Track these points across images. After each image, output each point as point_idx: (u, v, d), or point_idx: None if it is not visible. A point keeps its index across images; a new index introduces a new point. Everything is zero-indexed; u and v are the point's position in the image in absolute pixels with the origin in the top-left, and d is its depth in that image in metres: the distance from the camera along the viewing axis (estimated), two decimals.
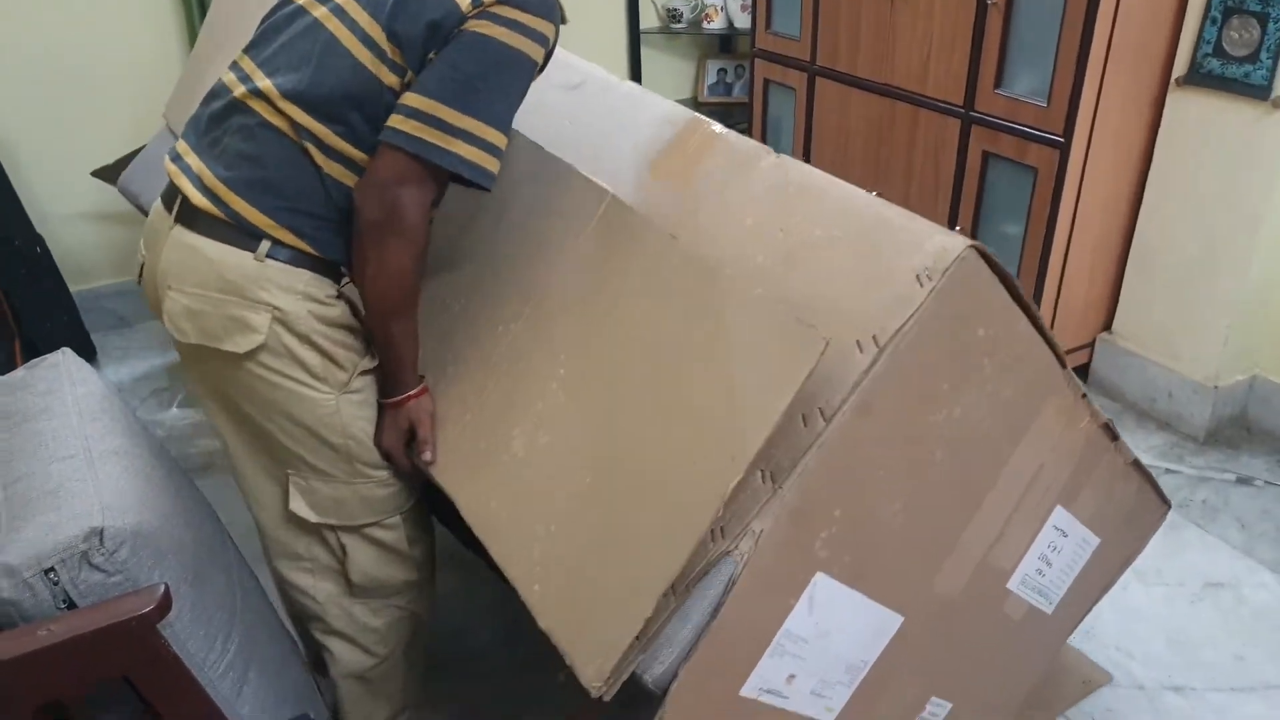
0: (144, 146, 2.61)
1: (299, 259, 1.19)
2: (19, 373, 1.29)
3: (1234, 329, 2.30)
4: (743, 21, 3.46)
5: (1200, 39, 2.14)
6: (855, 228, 1.10)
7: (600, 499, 1.09)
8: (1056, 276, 2.38)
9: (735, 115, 3.58)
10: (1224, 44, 2.10)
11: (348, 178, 1.19)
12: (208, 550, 1.19)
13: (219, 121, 1.23)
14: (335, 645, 1.41)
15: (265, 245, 1.17)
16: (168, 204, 1.25)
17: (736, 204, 1.20)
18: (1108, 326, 2.58)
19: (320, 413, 1.23)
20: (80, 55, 2.81)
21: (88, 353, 2.92)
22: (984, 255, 1.03)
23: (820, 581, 1.08)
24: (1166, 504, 1.46)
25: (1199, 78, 2.16)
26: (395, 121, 1.14)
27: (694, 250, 1.14)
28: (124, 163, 2.63)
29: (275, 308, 1.17)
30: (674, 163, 1.30)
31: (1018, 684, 1.55)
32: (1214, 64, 2.13)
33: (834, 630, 1.13)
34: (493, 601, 1.93)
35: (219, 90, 1.26)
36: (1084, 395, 1.21)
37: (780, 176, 1.20)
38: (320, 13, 1.21)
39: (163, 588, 0.96)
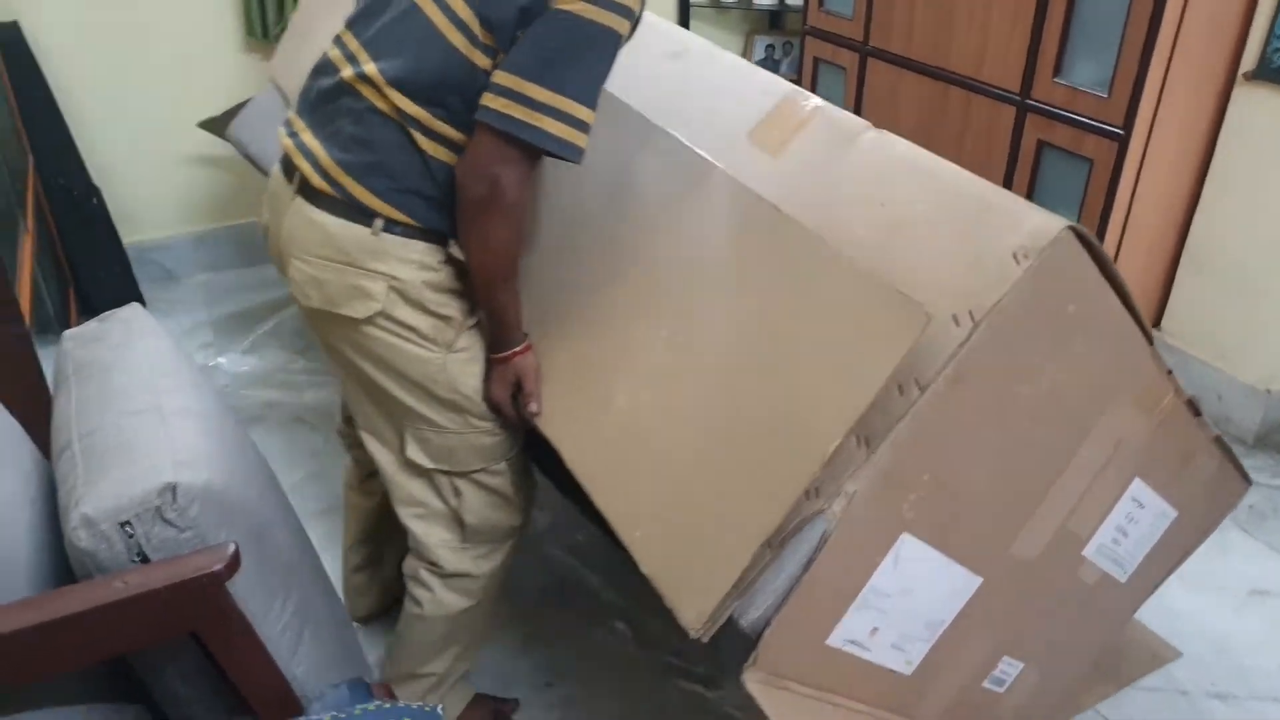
0: (249, 100, 2.64)
1: (410, 231, 1.28)
2: (92, 324, 1.32)
3: None
4: None
5: (1271, 33, 2.09)
6: (955, 205, 1.12)
7: (702, 454, 1.16)
8: None
9: None
10: None
11: (449, 157, 1.25)
12: (269, 509, 1.21)
13: (329, 100, 1.30)
14: (438, 587, 1.50)
15: (379, 222, 1.26)
16: (287, 175, 1.33)
17: (837, 176, 1.23)
18: (1156, 324, 2.55)
19: (430, 370, 1.33)
20: (138, 12, 2.83)
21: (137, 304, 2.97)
22: (1080, 236, 1.05)
23: (906, 541, 1.14)
24: (1247, 481, 1.47)
25: (1268, 73, 2.12)
26: (486, 99, 1.18)
27: (797, 220, 1.17)
28: (231, 114, 2.66)
29: (391, 276, 1.27)
30: (775, 134, 1.32)
31: (1087, 649, 1.59)
32: None
33: (916, 588, 1.19)
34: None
35: (326, 67, 1.33)
36: (1169, 372, 1.23)
37: (881, 152, 1.22)
38: (426, 4, 1.23)
39: (233, 546, 0.99)
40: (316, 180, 1.27)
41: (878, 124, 2.91)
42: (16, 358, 1.77)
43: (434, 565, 1.49)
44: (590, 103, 1.19)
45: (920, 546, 1.16)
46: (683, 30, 1.58)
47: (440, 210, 1.27)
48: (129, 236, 3.01)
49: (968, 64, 2.50)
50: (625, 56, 1.25)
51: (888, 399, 1.04)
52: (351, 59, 1.29)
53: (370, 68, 1.25)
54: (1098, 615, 1.51)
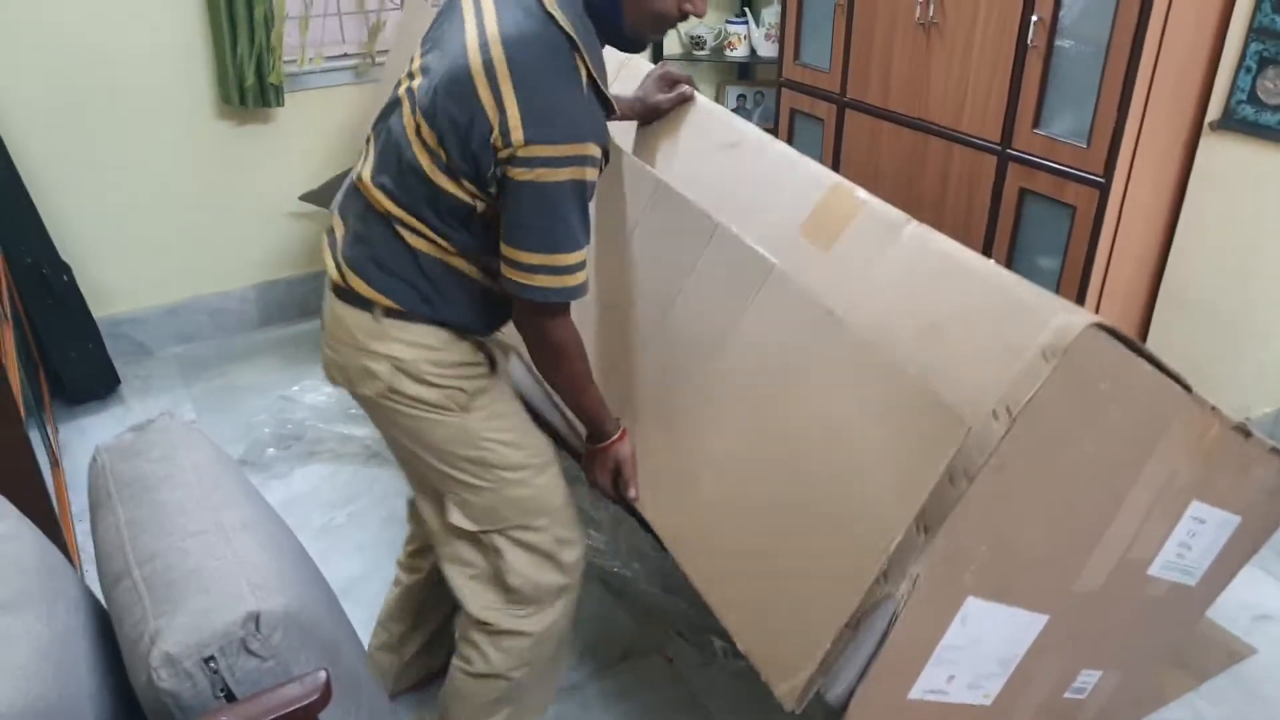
0: (350, 170, 2.59)
1: (408, 315, 1.36)
2: (127, 436, 1.28)
3: (1265, 362, 2.36)
4: (765, 50, 3.49)
5: (1234, 86, 2.20)
6: (989, 303, 1.19)
7: (783, 542, 1.29)
8: (1092, 310, 2.43)
9: None
10: (1258, 92, 2.16)
11: (438, 253, 1.35)
12: (333, 618, 1.18)
13: (349, 197, 1.44)
14: (487, 645, 1.52)
15: (379, 309, 1.36)
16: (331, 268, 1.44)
17: (881, 273, 1.30)
18: None
19: (450, 432, 1.40)
20: (107, 80, 2.77)
21: (112, 381, 2.88)
22: (1104, 327, 1.12)
23: (971, 603, 1.24)
24: None
25: (1233, 123, 2.22)
26: (504, 272, 1.30)
27: (849, 321, 1.27)
28: (333, 186, 2.64)
29: (392, 357, 1.36)
30: (825, 229, 1.39)
31: (1165, 648, 1.70)
32: (1248, 110, 2.19)
33: (985, 637, 1.30)
34: None
35: (356, 167, 1.44)
36: (1213, 408, 1.30)
37: (920, 246, 1.28)
38: (405, 118, 1.33)
39: (324, 674, 0.96)
40: (335, 275, 1.40)
41: (858, 175, 2.97)
42: (19, 462, 1.70)
43: (483, 625, 1.50)
44: (575, 247, 1.28)
45: (984, 605, 1.26)
46: (735, 117, 1.65)
47: (430, 301, 1.36)
48: (100, 311, 2.92)
49: (947, 115, 2.57)
50: (685, 143, 1.32)
51: (941, 489, 1.13)
52: (365, 163, 1.40)
53: (365, 170, 1.38)
54: (1171, 619, 1.60)
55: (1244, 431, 1.37)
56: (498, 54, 1.22)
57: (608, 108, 1.33)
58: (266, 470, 2.53)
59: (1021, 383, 1.10)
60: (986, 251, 2.58)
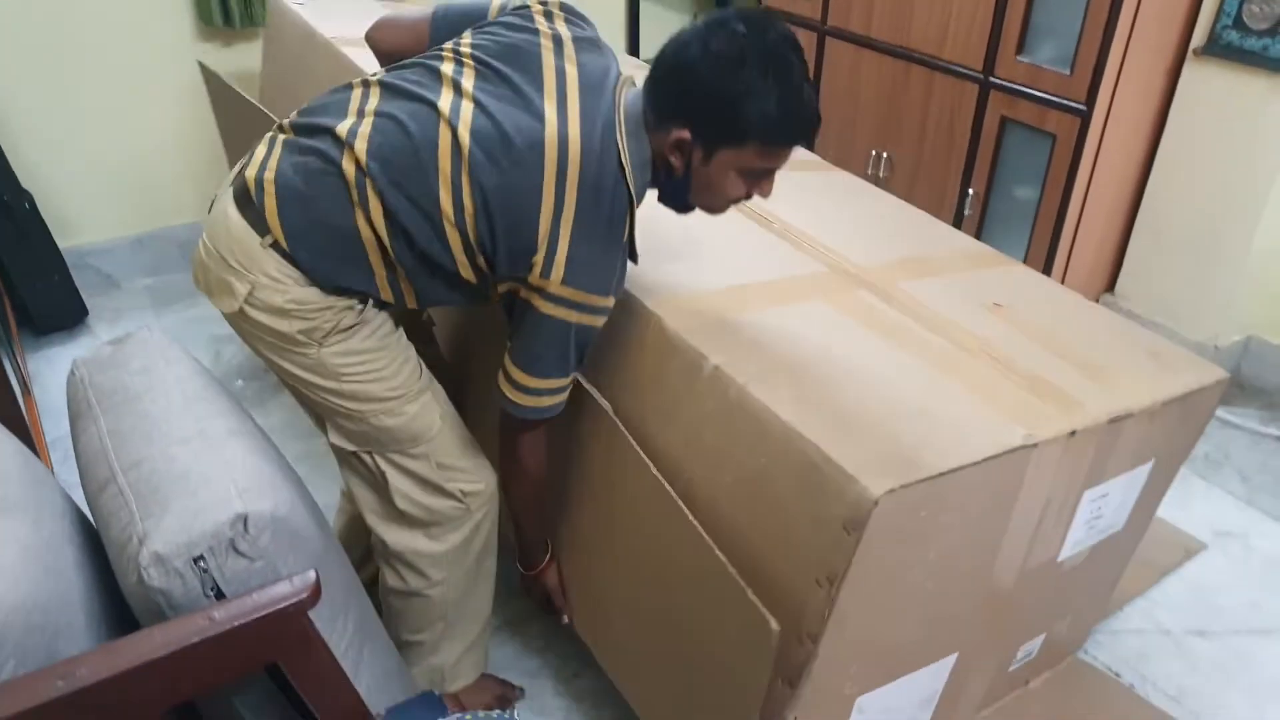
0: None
1: (299, 270, 1.27)
2: (105, 349, 1.26)
3: (1235, 292, 2.40)
4: None
5: (1221, 10, 2.19)
6: (790, 464, 1.12)
7: (680, 682, 1.40)
8: (1069, 241, 2.45)
9: None
10: (1244, 17, 2.15)
11: (380, 260, 1.27)
12: (321, 528, 1.18)
13: (312, 145, 1.27)
14: (398, 565, 1.51)
15: (269, 239, 1.25)
16: (242, 167, 1.32)
17: (691, 421, 1.28)
18: (1110, 288, 2.66)
19: (309, 363, 1.33)
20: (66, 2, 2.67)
21: (80, 314, 2.82)
22: (896, 489, 1.04)
23: (862, 701, 1.26)
24: (1224, 375, 1.46)
25: (1217, 49, 2.22)
26: (499, 383, 1.31)
27: (672, 481, 1.26)
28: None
29: (256, 283, 1.26)
30: (641, 368, 1.38)
31: (1108, 582, 1.70)
32: (1233, 36, 2.18)
33: (895, 705, 1.32)
34: None
35: (331, 111, 1.30)
36: (1072, 433, 1.22)
37: (721, 393, 1.23)
38: (441, 144, 1.22)
39: (313, 574, 0.96)
40: (249, 184, 1.27)
41: (840, 105, 2.94)
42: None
43: (384, 543, 1.50)
44: (566, 373, 1.29)
45: (877, 693, 1.27)
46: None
47: (324, 265, 1.26)
48: (65, 241, 2.85)
49: (930, 43, 2.55)
50: None
51: (790, 649, 1.14)
52: (351, 112, 1.27)
53: (358, 141, 1.23)
54: (1105, 562, 1.58)
55: (1126, 415, 1.30)
56: (572, 181, 1.19)
57: (633, 258, 1.30)
58: (240, 400, 2.50)
59: (834, 552, 1.06)
60: (965, 181, 2.58)
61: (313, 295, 1.27)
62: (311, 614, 1.05)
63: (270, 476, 1.06)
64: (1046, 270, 2.48)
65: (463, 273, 1.27)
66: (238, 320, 1.32)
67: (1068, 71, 2.25)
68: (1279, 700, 1.70)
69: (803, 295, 1.43)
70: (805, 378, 1.22)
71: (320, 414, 1.41)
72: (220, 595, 0.97)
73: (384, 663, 1.23)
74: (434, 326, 1.72)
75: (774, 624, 1.09)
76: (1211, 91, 2.27)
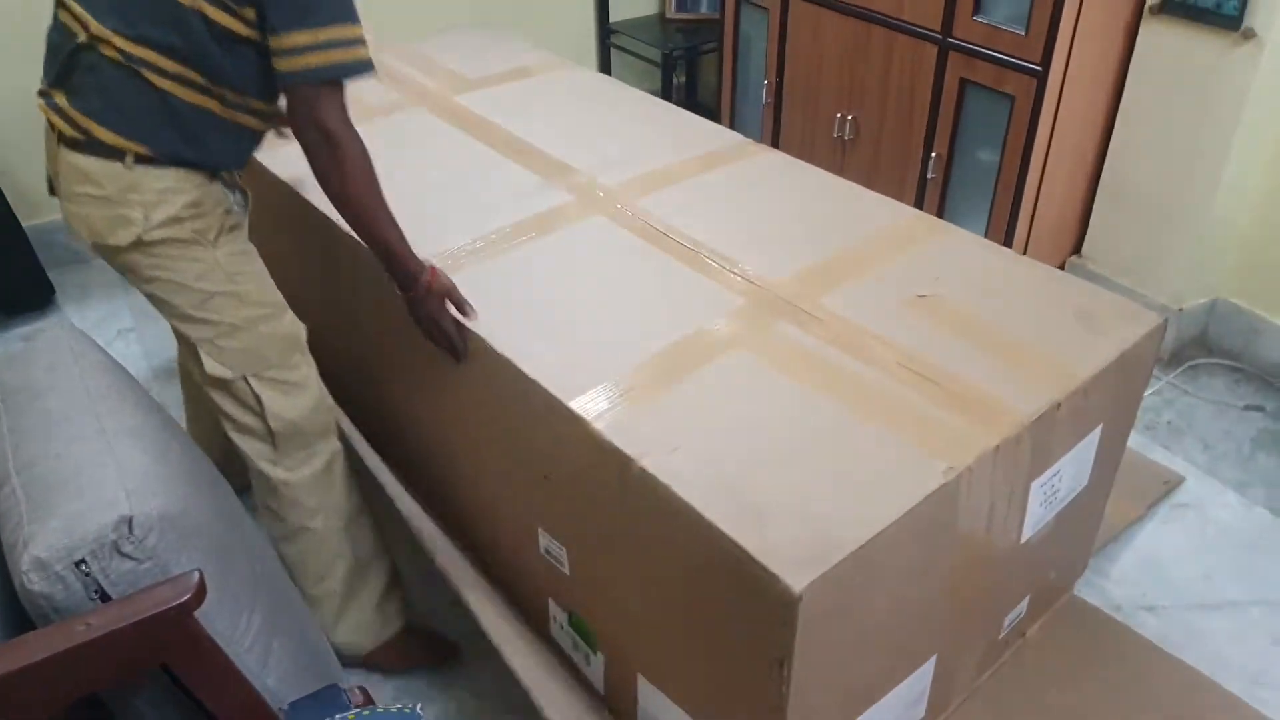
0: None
1: (161, 161, 1.36)
2: (17, 346, 1.27)
3: (1199, 254, 2.36)
4: None
5: None
6: (722, 559, 1.10)
7: None
8: (1031, 203, 2.41)
9: (704, 32, 3.50)
10: None
11: (190, 95, 1.34)
12: (226, 523, 1.19)
13: (70, 60, 1.35)
14: (278, 506, 1.58)
15: (130, 157, 1.34)
16: (51, 132, 1.41)
17: (631, 516, 1.26)
18: (1077, 250, 2.63)
19: (203, 268, 1.42)
20: None
21: (46, 291, 2.83)
22: (818, 579, 1.03)
23: None
24: (1159, 321, 1.46)
25: (1172, 7, 2.17)
26: (277, 65, 1.29)
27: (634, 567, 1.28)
28: None
29: (146, 202, 1.36)
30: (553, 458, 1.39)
31: (1090, 529, 1.71)
32: None
33: (883, 715, 1.30)
34: None
35: (59, 33, 1.37)
36: (996, 447, 1.21)
37: (651, 492, 1.19)
38: None
39: (197, 575, 0.98)
40: (68, 130, 1.35)
41: (803, 66, 2.88)
42: None
43: (262, 477, 1.56)
44: (354, 18, 1.29)
45: (860, 717, 1.27)
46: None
47: (186, 143, 1.36)
48: (29, 219, 2.85)
49: (889, 3, 2.50)
50: None
51: (759, 715, 1.15)
52: (80, 21, 1.33)
53: (94, 25, 1.31)
54: (1079, 515, 1.57)
55: (1047, 413, 1.28)
56: None
57: None
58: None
59: (775, 640, 1.07)
60: (928, 144, 2.54)
61: (194, 184, 1.38)
62: (209, 613, 1.07)
63: (163, 476, 1.07)
64: (1010, 232, 2.45)
65: (239, 30, 1.29)
66: (133, 251, 1.38)
67: (1023, 32, 2.20)
68: (1222, 677, 1.69)
69: (723, 346, 1.38)
70: (727, 457, 1.19)
71: (203, 339, 1.45)
72: (106, 598, 0.98)
73: (297, 655, 1.24)
74: None
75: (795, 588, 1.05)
76: (1168, 50, 2.22)
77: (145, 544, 1.00)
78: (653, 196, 1.76)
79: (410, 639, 1.73)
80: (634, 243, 1.62)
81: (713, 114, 3.25)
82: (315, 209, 1.71)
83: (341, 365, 1.90)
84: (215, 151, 1.40)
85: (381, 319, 1.71)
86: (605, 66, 3.68)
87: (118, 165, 1.33)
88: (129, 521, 0.99)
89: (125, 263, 1.41)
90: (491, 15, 3.33)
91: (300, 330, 1.54)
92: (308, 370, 1.55)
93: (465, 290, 1.44)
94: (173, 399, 2.41)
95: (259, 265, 1.50)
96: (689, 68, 3.73)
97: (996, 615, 1.52)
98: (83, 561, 0.96)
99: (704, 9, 3.60)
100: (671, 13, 3.60)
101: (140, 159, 1.34)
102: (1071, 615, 1.75)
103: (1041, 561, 1.56)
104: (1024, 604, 1.59)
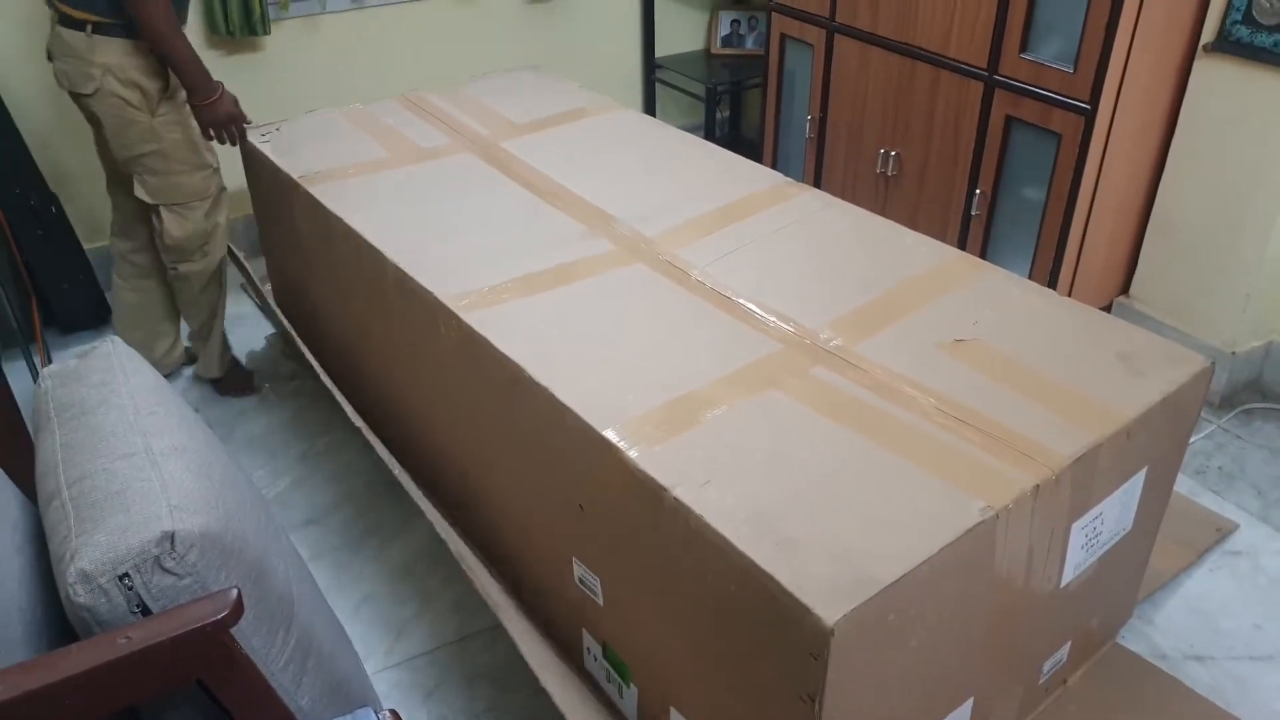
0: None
1: (110, 29, 1.98)
2: (71, 361, 1.30)
3: (1253, 296, 2.31)
4: None
5: (1230, 6, 2.11)
6: (753, 593, 1.10)
7: None
8: (1077, 242, 2.38)
9: (748, 68, 3.53)
10: (1254, 12, 2.07)
11: None
12: (264, 542, 1.21)
13: None
14: (177, 284, 2.38)
15: (89, 27, 1.97)
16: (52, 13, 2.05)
17: (666, 546, 1.26)
18: (1125, 290, 2.59)
19: (141, 130, 2.10)
20: None
21: (103, 313, 2.91)
22: (851, 612, 1.02)
23: None
24: (1206, 364, 1.43)
25: (1227, 45, 2.14)
26: None
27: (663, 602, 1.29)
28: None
29: (104, 65, 2.01)
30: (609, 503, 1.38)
31: (1134, 574, 1.68)
32: (1243, 32, 2.10)
33: None
34: None
35: None
36: (1035, 487, 1.20)
37: (684, 523, 1.19)
38: None
39: (235, 592, 0.99)
40: (57, 11, 2.00)
41: (847, 102, 2.89)
42: None
43: (171, 267, 2.33)
44: None
45: None
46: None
47: (116, 12, 1.95)
48: (90, 242, 2.94)
49: (934, 40, 2.50)
50: None
51: None
52: None
53: None
54: (1123, 559, 1.53)
55: (1086, 455, 1.26)
56: None
57: None
58: (253, 395, 2.58)
59: (807, 675, 1.06)
60: (972, 181, 2.53)
61: (138, 50, 2.01)
62: (246, 630, 1.08)
63: (206, 494, 1.09)
64: (1055, 271, 2.42)
65: None
66: (95, 99, 2.03)
67: (1071, 69, 2.19)
68: None
69: (758, 386, 1.38)
70: (760, 491, 1.18)
71: (134, 172, 2.15)
72: (147, 612, 1.00)
73: (330, 676, 1.25)
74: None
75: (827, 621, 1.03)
76: (1222, 89, 2.19)
77: (186, 560, 1.01)
78: (693, 246, 1.77)
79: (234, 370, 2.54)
80: (673, 289, 1.63)
81: (756, 148, 3.27)
82: (331, 212, 1.98)
83: (382, 392, 1.93)
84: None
85: (418, 350, 1.74)
86: (650, 101, 3.72)
87: (81, 35, 1.97)
88: (171, 537, 1.00)
89: (87, 106, 2.06)
90: (540, 51, 3.39)
91: (210, 185, 2.23)
92: (202, 213, 2.23)
93: (503, 321, 1.50)
94: (217, 417, 2.47)
95: (185, 132, 2.14)
96: (733, 102, 3.76)
97: (1036, 660, 1.48)
98: (126, 575, 0.98)
99: (749, 45, 3.63)
100: (716, 48, 3.64)
101: (96, 28, 1.95)
102: (1115, 664, 1.70)
103: (1083, 607, 1.52)
104: (1065, 650, 1.54)
